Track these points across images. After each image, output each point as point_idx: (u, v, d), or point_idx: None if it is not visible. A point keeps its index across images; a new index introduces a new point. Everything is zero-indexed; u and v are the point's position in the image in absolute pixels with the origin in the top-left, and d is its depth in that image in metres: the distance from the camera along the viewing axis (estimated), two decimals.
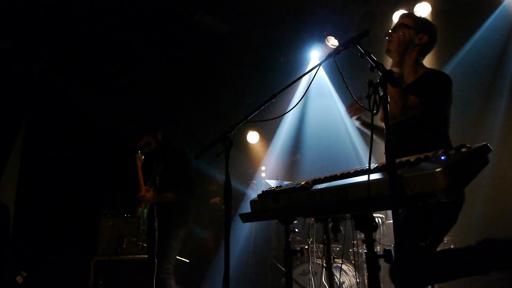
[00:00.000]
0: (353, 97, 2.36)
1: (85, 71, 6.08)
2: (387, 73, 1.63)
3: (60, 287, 5.01)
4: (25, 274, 4.56)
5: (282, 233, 5.41)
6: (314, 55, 6.30)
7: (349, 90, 2.39)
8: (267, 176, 6.73)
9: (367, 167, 1.68)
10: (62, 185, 5.72)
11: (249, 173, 6.97)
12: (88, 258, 4.86)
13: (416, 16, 2.61)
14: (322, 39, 6.09)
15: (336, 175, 1.85)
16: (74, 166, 5.87)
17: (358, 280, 3.67)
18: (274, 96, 2.24)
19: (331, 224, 2.20)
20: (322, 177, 1.91)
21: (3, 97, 5.24)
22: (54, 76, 5.63)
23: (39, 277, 5.00)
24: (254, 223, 5.87)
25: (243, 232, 6.05)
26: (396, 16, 5.35)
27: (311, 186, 1.82)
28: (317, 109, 6.54)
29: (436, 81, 2.37)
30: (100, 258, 4.86)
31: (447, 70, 5.08)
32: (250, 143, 7.47)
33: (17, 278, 4.50)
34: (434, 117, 2.33)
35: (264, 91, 6.91)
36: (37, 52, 5.55)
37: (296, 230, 2.13)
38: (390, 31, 2.59)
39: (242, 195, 6.35)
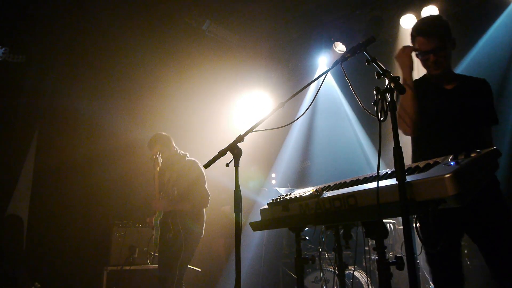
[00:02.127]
0: (360, 104, 2.37)
1: (96, 81, 6.16)
2: (394, 80, 1.64)
3: None
4: (39, 286, 4.60)
5: (293, 240, 5.41)
6: (322, 61, 6.31)
7: (356, 96, 2.40)
8: (278, 183, 6.73)
9: (375, 174, 1.68)
10: (74, 196, 5.78)
11: (259, 180, 6.98)
12: (101, 267, 4.89)
13: (442, 19, 2.53)
14: (329, 45, 6.11)
15: (346, 182, 1.86)
16: (86, 177, 5.93)
17: (370, 287, 3.64)
18: (282, 104, 2.26)
19: (342, 231, 2.20)
20: (331, 184, 1.91)
21: (16, 109, 5.32)
22: (66, 87, 5.71)
23: (64, 282, 5.04)
24: (266, 230, 5.88)
25: (255, 240, 6.05)
26: (403, 21, 5.32)
27: (321, 194, 1.83)
28: (326, 116, 6.54)
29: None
30: (112, 267, 4.89)
31: (457, 72, 5.06)
32: (260, 151, 7.46)
33: None
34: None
35: (272, 99, 6.94)
36: (48, 62, 5.64)
37: (307, 238, 2.13)
38: (436, 47, 2.41)
39: (252, 203, 6.35)
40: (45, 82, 5.64)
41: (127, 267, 4.84)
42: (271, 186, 6.56)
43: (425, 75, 2.64)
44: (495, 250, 2.09)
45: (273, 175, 6.97)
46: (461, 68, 5.03)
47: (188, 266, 4.21)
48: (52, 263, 5.26)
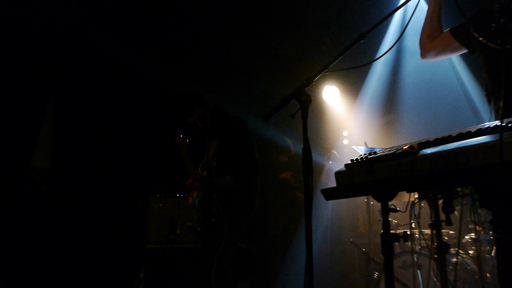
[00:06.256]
0: (471, 31, 2.20)
1: (128, 27, 6.30)
2: None
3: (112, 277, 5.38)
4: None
5: (372, 215, 5.36)
6: None
7: (466, 20, 2.22)
8: (351, 143, 6.64)
9: (495, 124, 1.56)
10: (102, 160, 6.05)
11: (327, 141, 6.91)
12: (137, 246, 5.11)
13: None
14: None
15: (451, 136, 1.75)
16: (116, 138, 6.17)
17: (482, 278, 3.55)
18: (363, 36, 2.15)
19: (441, 201, 2.11)
20: (431, 139, 1.82)
21: (32, 58, 5.54)
22: (90, 29, 5.88)
23: (93, 264, 5.40)
24: (330, 202, 5.83)
25: (320, 214, 6.06)
26: None
27: (418, 151, 1.75)
28: (417, 54, 6.25)
29: None
30: (151, 246, 5.04)
31: None
32: (328, 103, 7.33)
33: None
34: None
35: (344, 33, 6.71)
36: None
37: (398, 209, 2.06)
38: None
39: (319, 168, 6.33)
40: (62, 24, 5.80)
41: (169, 246, 4.95)
42: (342, 147, 6.48)
43: None
44: None
45: (345, 133, 6.87)
46: None
47: (242, 245, 4.27)
48: (92, 240, 5.61)
